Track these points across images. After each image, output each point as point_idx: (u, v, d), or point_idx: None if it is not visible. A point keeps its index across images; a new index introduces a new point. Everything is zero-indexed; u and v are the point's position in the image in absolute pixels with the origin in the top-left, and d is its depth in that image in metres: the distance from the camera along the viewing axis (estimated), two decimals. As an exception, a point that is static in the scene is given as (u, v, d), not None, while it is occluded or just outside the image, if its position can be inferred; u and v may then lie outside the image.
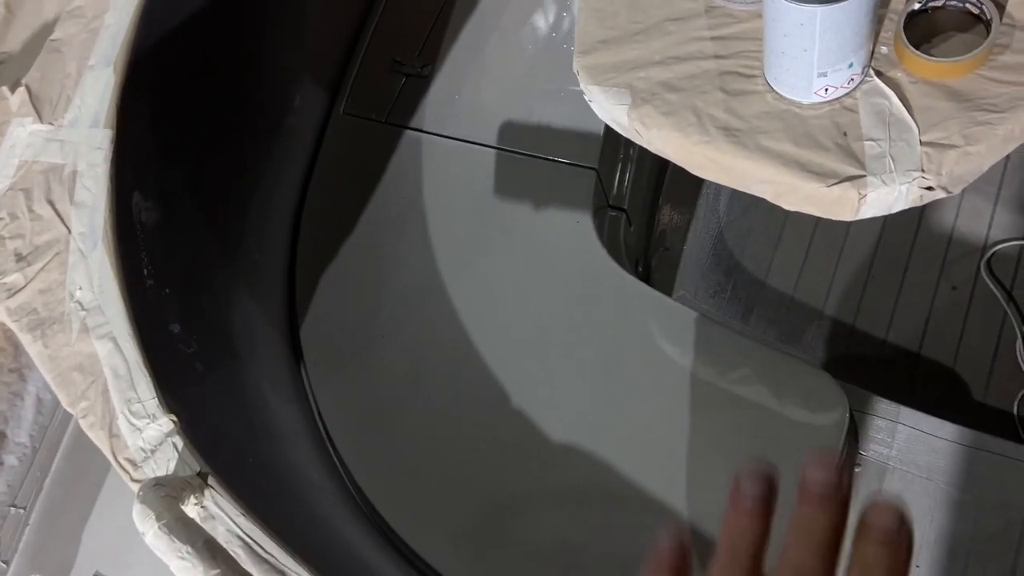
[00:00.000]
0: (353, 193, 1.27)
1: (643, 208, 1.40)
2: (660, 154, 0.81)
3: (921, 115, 0.71)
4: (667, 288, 1.41)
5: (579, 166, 1.21)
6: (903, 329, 1.25)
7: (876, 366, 1.25)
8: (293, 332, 1.17)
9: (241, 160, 1.12)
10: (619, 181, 1.28)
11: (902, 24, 0.73)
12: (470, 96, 1.30)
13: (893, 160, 0.71)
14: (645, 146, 0.82)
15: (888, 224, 1.29)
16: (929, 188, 0.71)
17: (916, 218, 1.30)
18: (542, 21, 1.32)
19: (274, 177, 1.20)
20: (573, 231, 1.17)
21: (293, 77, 1.24)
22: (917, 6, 0.73)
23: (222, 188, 1.08)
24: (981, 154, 0.70)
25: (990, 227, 1.28)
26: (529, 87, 1.27)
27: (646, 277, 1.39)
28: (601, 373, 1.10)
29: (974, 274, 1.25)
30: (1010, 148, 0.72)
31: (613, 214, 1.28)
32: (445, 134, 1.29)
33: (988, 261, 1.26)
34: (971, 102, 0.71)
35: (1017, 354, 1.19)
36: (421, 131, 1.30)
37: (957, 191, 0.72)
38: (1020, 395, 1.18)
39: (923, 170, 0.70)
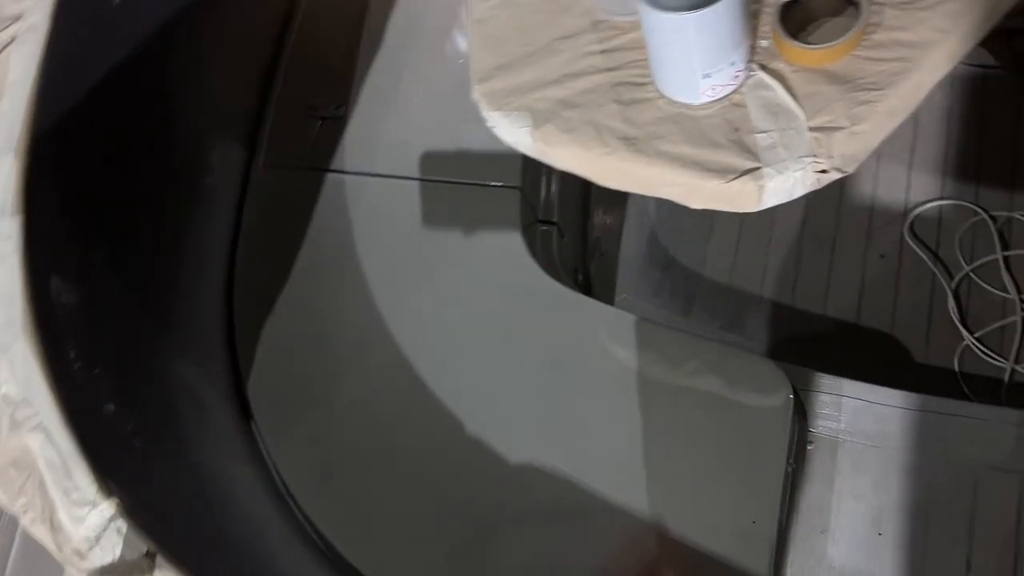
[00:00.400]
0: (284, 243, 1.26)
1: (575, 218, 1.41)
2: (568, 170, 0.83)
3: (806, 102, 0.73)
4: (609, 293, 1.42)
5: (503, 187, 1.22)
6: (839, 303, 1.28)
7: (818, 342, 1.27)
8: (239, 391, 1.16)
9: (162, 227, 1.11)
10: (545, 195, 1.29)
11: (778, 16, 0.75)
12: (387, 131, 1.31)
13: (785, 149, 0.72)
14: (552, 164, 0.83)
15: (811, 203, 1.32)
16: (823, 171, 0.73)
17: (837, 194, 1.33)
18: (449, 50, 1.33)
19: (199, 239, 1.19)
20: (505, 252, 1.18)
21: (206, 137, 1.23)
22: (789, -2, 0.76)
23: (145, 258, 1.07)
24: (868, 132, 0.72)
25: (908, 192, 1.31)
26: (444, 115, 1.28)
27: (587, 285, 1.40)
28: (552, 389, 1.10)
29: (899, 239, 1.28)
30: (896, 123, 0.74)
31: (544, 228, 1.29)
32: (368, 172, 1.29)
33: (911, 225, 1.29)
34: (852, 83, 0.73)
35: (950, 311, 1.23)
36: (344, 172, 1.30)
37: (852, 170, 0.74)
38: (959, 350, 1.21)
39: (814, 155, 0.72)
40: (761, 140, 0.73)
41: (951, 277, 1.25)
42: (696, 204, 0.77)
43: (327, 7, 1.39)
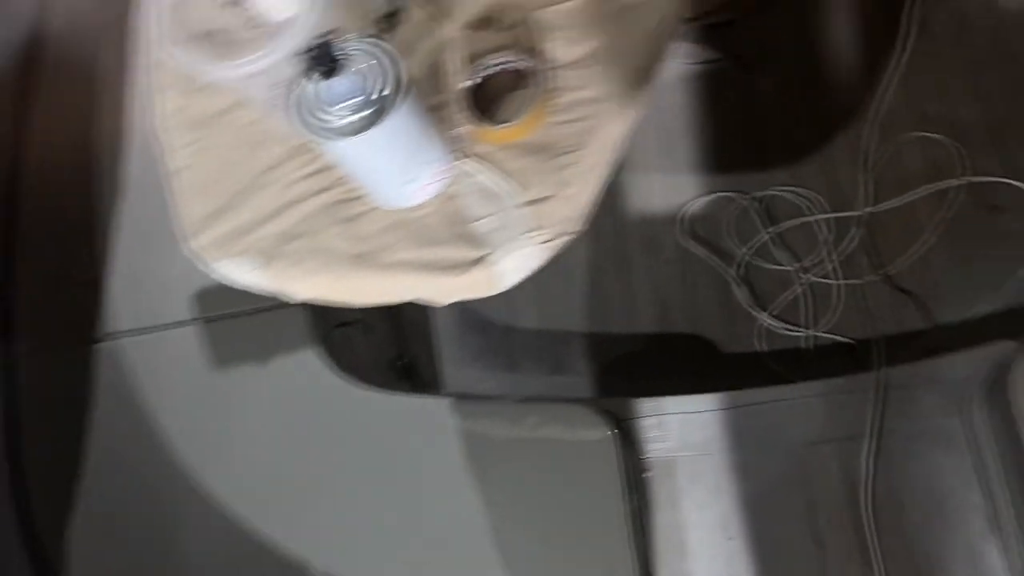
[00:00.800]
0: (71, 430, 1.16)
1: (380, 308, 1.38)
2: (310, 301, 0.80)
3: (515, 178, 0.74)
4: (434, 371, 1.40)
5: (289, 305, 1.17)
6: (644, 318, 1.31)
7: (637, 362, 1.30)
8: (55, 611, 1.04)
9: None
10: (336, 299, 1.25)
11: (467, 103, 0.76)
12: (153, 278, 1.23)
13: (506, 229, 0.73)
14: (293, 298, 0.80)
15: (593, 231, 1.35)
16: (550, 240, 0.73)
17: (611, 214, 1.36)
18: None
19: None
20: (304, 372, 1.13)
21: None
22: (471, 82, 0.76)
23: None
24: (578, 192, 0.74)
25: (674, 195, 1.37)
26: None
27: (411, 368, 1.37)
28: (386, 501, 1.07)
29: (676, 241, 1.33)
30: (602, 175, 0.76)
31: (344, 330, 1.25)
32: (142, 327, 1.21)
33: (687, 225, 1.34)
34: (550, 150, 0.74)
35: (736, 297, 1.28)
36: (117, 335, 1.21)
37: (579, 228, 0.76)
38: (759, 332, 1.27)
39: (535, 228, 0.72)
40: (481, 226, 0.73)
41: (735, 265, 1.31)
42: (443, 301, 0.77)
43: (51, 166, 1.30)
